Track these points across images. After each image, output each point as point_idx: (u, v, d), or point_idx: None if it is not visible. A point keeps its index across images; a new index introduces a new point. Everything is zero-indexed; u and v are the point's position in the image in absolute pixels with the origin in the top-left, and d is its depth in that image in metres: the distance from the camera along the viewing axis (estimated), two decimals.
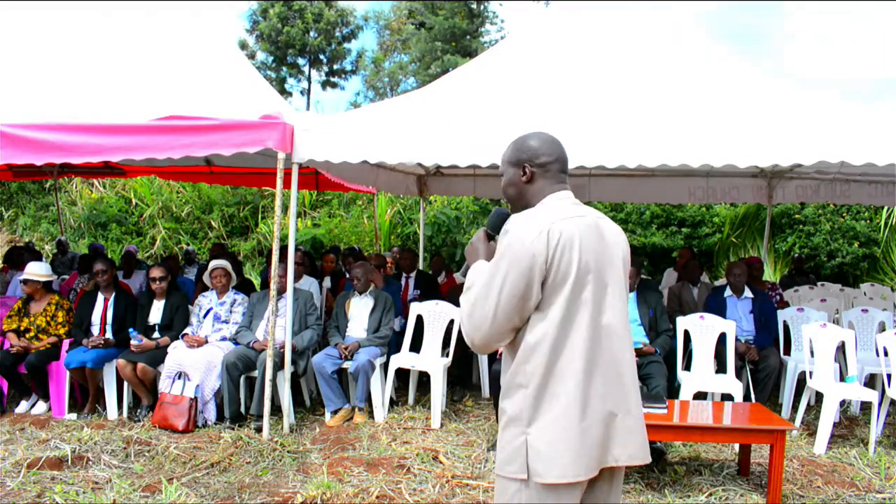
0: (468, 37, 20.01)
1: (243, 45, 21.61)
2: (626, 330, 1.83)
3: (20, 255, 7.47)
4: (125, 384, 5.03)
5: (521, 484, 1.72)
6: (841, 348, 5.03)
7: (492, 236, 1.98)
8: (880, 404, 4.70)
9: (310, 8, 21.11)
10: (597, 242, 1.77)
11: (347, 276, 6.61)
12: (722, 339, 5.12)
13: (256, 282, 9.01)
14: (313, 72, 23.04)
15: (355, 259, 6.78)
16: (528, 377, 1.73)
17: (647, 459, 1.84)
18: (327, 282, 6.81)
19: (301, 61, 22.55)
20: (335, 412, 4.99)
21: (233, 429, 4.64)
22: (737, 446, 4.27)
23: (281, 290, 4.80)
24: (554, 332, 1.70)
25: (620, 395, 1.78)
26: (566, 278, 1.70)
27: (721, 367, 5.14)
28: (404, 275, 6.80)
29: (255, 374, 4.86)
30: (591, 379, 1.72)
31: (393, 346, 5.45)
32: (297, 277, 5.30)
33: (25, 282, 5.23)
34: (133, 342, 4.94)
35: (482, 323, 1.72)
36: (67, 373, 4.98)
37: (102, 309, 5.23)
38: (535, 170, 1.87)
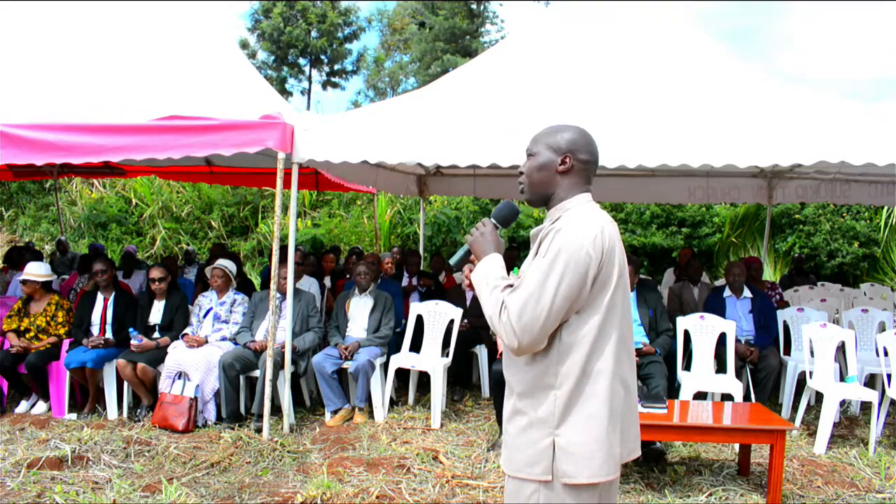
0: (468, 37, 20.03)
1: (244, 45, 21.63)
2: (632, 332, 1.87)
3: (20, 255, 7.47)
4: (125, 384, 5.03)
5: (539, 485, 1.72)
6: (841, 348, 5.03)
7: (497, 228, 1.92)
8: (880, 404, 4.69)
9: (313, 9, 21.12)
10: (622, 246, 1.80)
11: (348, 276, 6.61)
12: (722, 339, 5.12)
13: (256, 282, 9.02)
14: (314, 72, 23.06)
15: (357, 259, 6.79)
16: (561, 378, 1.71)
17: (640, 452, 1.87)
18: (327, 282, 6.81)
19: (302, 61, 22.58)
20: (335, 412, 4.99)
21: (233, 429, 4.64)
22: (737, 446, 4.27)
23: (281, 291, 4.80)
24: (594, 335, 1.70)
25: (631, 394, 1.81)
26: (609, 281, 1.71)
27: (721, 367, 5.14)
28: (406, 276, 6.79)
29: (254, 374, 4.87)
30: (616, 380, 1.74)
31: (393, 346, 5.45)
32: (297, 277, 5.29)
33: (24, 282, 5.23)
34: (133, 342, 4.94)
35: (533, 325, 1.65)
36: (67, 373, 4.98)
37: (102, 309, 5.23)
38: (575, 164, 1.81)
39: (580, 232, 1.68)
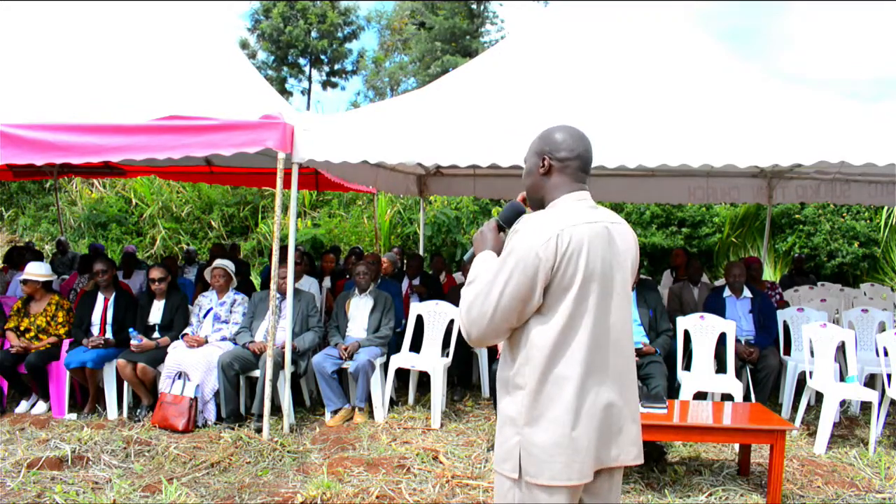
0: (468, 37, 20.03)
1: (244, 45, 21.64)
2: (628, 337, 1.81)
3: (20, 255, 7.47)
4: (125, 384, 5.03)
5: (513, 482, 1.75)
6: (841, 348, 5.03)
7: (502, 228, 1.97)
8: (880, 404, 4.69)
9: (313, 9, 21.12)
10: (605, 249, 1.75)
11: (348, 276, 6.61)
12: (722, 339, 5.12)
13: (256, 282, 9.01)
14: (314, 72, 23.06)
15: (357, 259, 6.79)
16: (525, 379, 1.73)
17: (641, 460, 1.85)
18: (327, 282, 6.81)
19: (302, 61, 22.58)
20: (335, 412, 4.99)
21: (233, 429, 4.64)
22: (737, 446, 4.27)
23: (281, 291, 4.80)
24: (554, 338, 1.70)
25: (620, 401, 1.77)
26: (571, 285, 1.69)
27: (721, 367, 5.14)
28: (407, 279, 6.78)
29: (254, 374, 4.87)
30: (589, 386, 1.71)
31: (393, 346, 5.45)
32: (297, 277, 5.29)
33: (25, 282, 5.23)
34: (133, 342, 4.94)
35: (480, 319, 1.71)
36: (67, 373, 4.97)
37: (102, 309, 5.23)
38: (553, 163, 1.82)
39: (532, 234, 1.69)
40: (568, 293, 1.69)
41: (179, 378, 4.80)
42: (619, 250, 1.79)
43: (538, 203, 1.89)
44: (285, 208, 4.67)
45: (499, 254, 1.88)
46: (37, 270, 5.29)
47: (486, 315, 1.70)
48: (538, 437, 1.70)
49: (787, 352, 5.70)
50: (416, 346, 5.48)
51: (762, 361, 5.17)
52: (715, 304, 5.51)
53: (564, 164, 1.82)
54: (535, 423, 1.71)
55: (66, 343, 5.13)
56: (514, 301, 1.68)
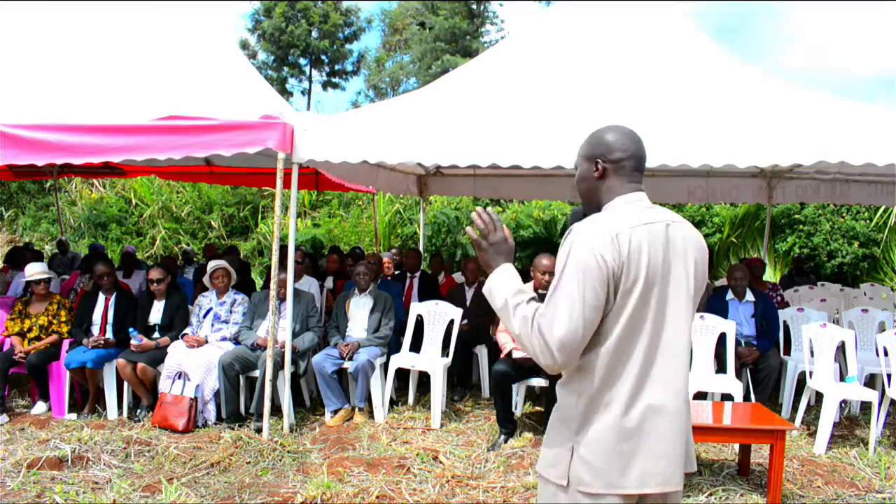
0: (468, 37, 20.04)
1: (245, 45, 21.64)
2: (684, 346, 1.71)
3: (21, 256, 7.48)
4: (125, 384, 5.03)
5: (558, 488, 1.69)
6: (841, 348, 5.03)
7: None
8: (880, 404, 4.69)
9: (314, 9, 21.14)
10: (665, 250, 1.66)
11: (351, 276, 6.60)
12: (722, 339, 5.12)
13: (258, 282, 9.01)
14: (314, 72, 23.07)
15: (355, 260, 6.78)
16: (583, 385, 1.66)
17: (679, 486, 1.73)
18: (329, 282, 6.81)
19: (303, 61, 22.59)
20: (335, 412, 4.99)
21: (233, 429, 4.64)
22: (737, 446, 4.27)
23: (281, 299, 4.80)
24: (613, 345, 1.62)
25: (674, 409, 1.69)
26: (634, 288, 1.61)
27: (721, 367, 5.14)
28: (409, 274, 6.79)
29: (254, 374, 4.87)
30: (644, 393, 1.64)
31: (393, 345, 5.45)
32: (297, 277, 5.29)
33: (38, 282, 5.22)
34: (133, 342, 4.94)
35: (571, 340, 1.57)
36: (67, 373, 4.98)
37: (103, 309, 5.23)
38: (607, 166, 1.76)
39: (593, 238, 1.61)
40: (630, 296, 1.61)
41: (179, 378, 4.80)
42: (679, 251, 1.70)
43: (595, 208, 1.80)
44: (285, 208, 4.67)
45: (512, 259, 1.79)
46: (40, 269, 5.31)
47: (578, 333, 1.57)
48: (591, 445, 1.64)
49: (787, 352, 5.70)
50: (416, 346, 5.48)
51: (762, 361, 5.17)
52: (717, 307, 5.48)
53: (619, 166, 1.76)
54: (589, 430, 1.64)
55: (66, 343, 5.13)
56: (595, 311, 1.58)
